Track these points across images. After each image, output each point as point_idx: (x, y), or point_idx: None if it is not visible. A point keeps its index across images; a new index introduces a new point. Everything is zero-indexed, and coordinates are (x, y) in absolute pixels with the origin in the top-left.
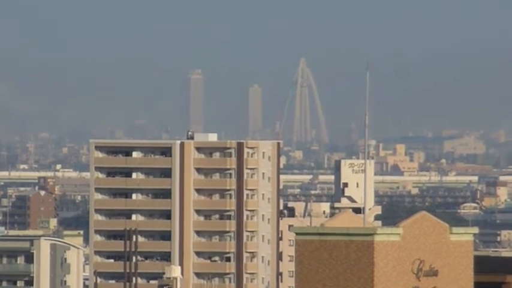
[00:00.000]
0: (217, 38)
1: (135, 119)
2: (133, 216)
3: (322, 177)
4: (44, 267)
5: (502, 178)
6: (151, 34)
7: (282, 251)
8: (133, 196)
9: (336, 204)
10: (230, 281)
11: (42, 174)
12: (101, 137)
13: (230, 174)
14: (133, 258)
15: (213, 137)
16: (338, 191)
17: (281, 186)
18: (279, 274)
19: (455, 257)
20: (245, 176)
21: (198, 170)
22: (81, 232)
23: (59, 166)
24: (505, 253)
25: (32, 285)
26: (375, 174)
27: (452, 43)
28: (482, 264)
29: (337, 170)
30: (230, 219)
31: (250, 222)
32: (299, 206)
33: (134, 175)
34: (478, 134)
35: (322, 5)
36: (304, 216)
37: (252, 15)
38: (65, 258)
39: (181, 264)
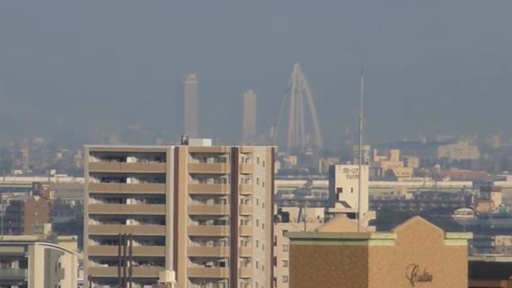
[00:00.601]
0: (212, 43)
1: (130, 124)
2: (128, 222)
3: (316, 183)
4: (38, 272)
5: (496, 183)
6: (146, 39)
7: (276, 256)
8: (128, 201)
9: (330, 209)
10: (224, 286)
11: (37, 179)
12: (95, 142)
13: (224, 179)
14: (128, 263)
15: (207, 143)
16: (332, 196)
17: (275, 192)
18: (273, 279)
19: (450, 262)
20: (239, 181)
21: (193, 175)
22: (76, 237)
23: (53, 171)
24: (499, 258)
25: None
26: (369, 179)
27: (448, 49)
28: (476, 270)
29: (331, 175)
30: (224, 224)
31: (244, 228)
32: (293, 211)
33: (129, 180)
34: (472, 140)
35: (316, 10)
36: (298, 221)
37: (247, 20)
38: (59, 263)
39: (175, 269)
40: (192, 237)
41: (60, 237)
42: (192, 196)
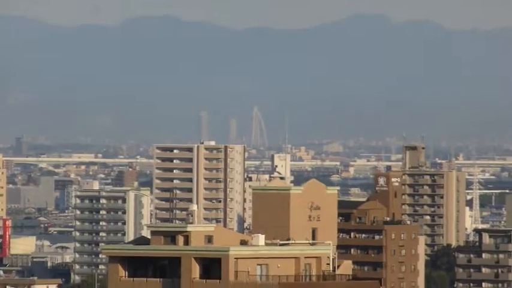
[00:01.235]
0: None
1: None
2: None
3: (265, 163)
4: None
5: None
6: None
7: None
8: None
9: (272, 176)
10: None
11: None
12: None
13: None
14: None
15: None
16: (272, 169)
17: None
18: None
19: (328, 200)
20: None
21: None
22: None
23: None
24: (353, 198)
25: None
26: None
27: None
28: (340, 203)
29: (272, 159)
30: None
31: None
32: (255, 177)
33: None
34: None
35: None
36: (257, 181)
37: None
38: (141, 201)
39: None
40: None
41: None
42: None
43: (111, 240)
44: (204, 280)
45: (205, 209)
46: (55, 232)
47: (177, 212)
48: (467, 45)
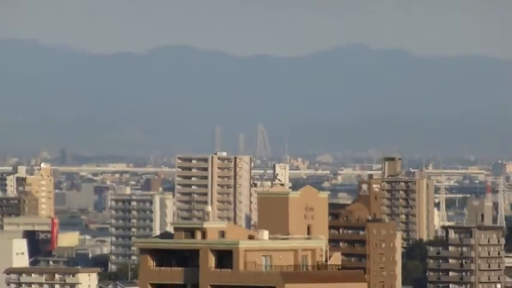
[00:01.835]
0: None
1: None
2: None
3: (268, 171)
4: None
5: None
6: None
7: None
8: None
9: (273, 182)
10: None
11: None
12: None
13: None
14: None
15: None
16: (274, 177)
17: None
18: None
19: (320, 203)
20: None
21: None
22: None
23: None
24: (341, 201)
25: None
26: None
27: None
28: (330, 205)
29: (274, 168)
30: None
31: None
32: (260, 183)
33: None
34: None
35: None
36: (262, 186)
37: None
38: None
39: None
40: None
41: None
42: None
43: (141, 235)
44: (219, 269)
45: (218, 209)
46: (94, 228)
47: (195, 212)
48: (434, 71)
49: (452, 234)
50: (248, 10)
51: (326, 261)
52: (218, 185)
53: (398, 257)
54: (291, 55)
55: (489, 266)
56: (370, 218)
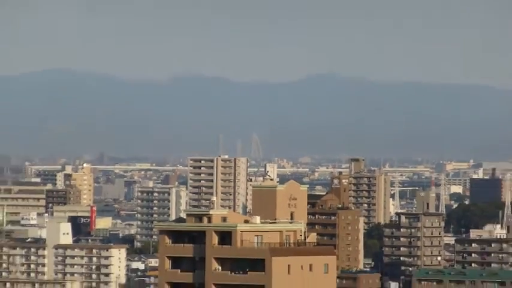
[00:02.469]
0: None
1: None
2: None
3: (261, 169)
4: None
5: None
6: None
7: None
8: None
9: (265, 178)
10: None
11: None
12: None
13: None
14: None
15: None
16: (265, 174)
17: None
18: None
19: (301, 194)
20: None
21: None
22: None
23: None
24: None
25: None
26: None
27: None
28: (309, 196)
29: (265, 167)
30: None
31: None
32: (253, 179)
33: None
34: None
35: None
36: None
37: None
38: None
39: None
40: None
41: None
42: None
43: (160, 219)
44: (221, 246)
45: (221, 199)
46: (124, 214)
47: (203, 201)
48: (387, 93)
49: (403, 219)
50: (243, 37)
51: (304, 239)
52: (221, 180)
53: (360, 237)
54: (282, 81)
55: (431, 243)
56: (339, 206)
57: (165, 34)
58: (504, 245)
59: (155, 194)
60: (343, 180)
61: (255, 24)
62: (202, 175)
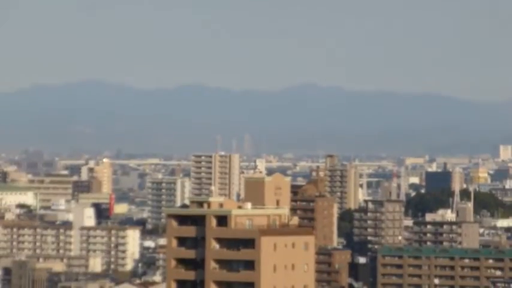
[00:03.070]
0: None
1: None
2: None
3: (251, 164)
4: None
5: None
6: None
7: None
8: None
9: (256, 170)
10: None
11: None
12: None
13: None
14: None
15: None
16: (255, 167)
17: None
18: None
19: (285, 184)
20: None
21: None
22: None
23: None
24: (299, 183)
25: None
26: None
27: None
28: (292, 186)
29: (255, 162)
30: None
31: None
32: (246, 172)
33: None
34: None
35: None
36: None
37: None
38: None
39: None
40: None
41: None
42: None
43: (168, 206)
44: (218, 227)
45: (219, 189)
46: (138, 201)
47: (204, 190)
48: (360, 101)
49: (370, 205)
50: (239, 44)
51: (288, 222)
52: (219, 173)
53: (334, 220)
54: (270, 89)
55: (393, 225)
56: (317, 194)
57: (174, 47)
58: (454, 227)
59: (163, 185)
60: (320, 173)
61: (247, 39)
62: (202, 169)
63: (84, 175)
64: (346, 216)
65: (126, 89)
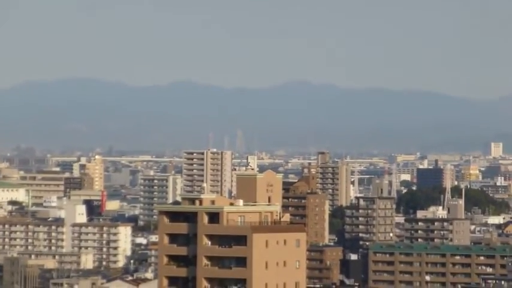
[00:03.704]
0: None
1: None
2: None
3: (243, 161)
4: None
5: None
6: None
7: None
8: None
9: (247, 167)
10: None
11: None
12: None
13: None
14: None
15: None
16: (247, 164)
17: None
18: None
19: (277, 181)
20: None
21: None
22: None
23: None
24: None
25: None
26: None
27: None
28: (283, 183)
29: (247, 159)
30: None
31: None
32: (238, 169)
33: None
34: None
35: None
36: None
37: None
38: None
39: None
40: None
41: None
42: None
43: (160, 202)
44: (210, 224)
45: (210, 186)
46: (130, 198)
47: (195, 187)
48: (352, 99)
49: (361, 202)
50: (236, 44)
51: (280, 219)
52: (210, 170)
53: (326, 217)
54: (262, 87)
55: (385, 222)
56: (309, 191)
57: (167, 45)
58: (445, 224)
59: (155, 181)
60: (312, 170)
61: (239, 37)
62: (194, 165)
63: (76, 172)
64: (337, 213)
65: (118, 86)
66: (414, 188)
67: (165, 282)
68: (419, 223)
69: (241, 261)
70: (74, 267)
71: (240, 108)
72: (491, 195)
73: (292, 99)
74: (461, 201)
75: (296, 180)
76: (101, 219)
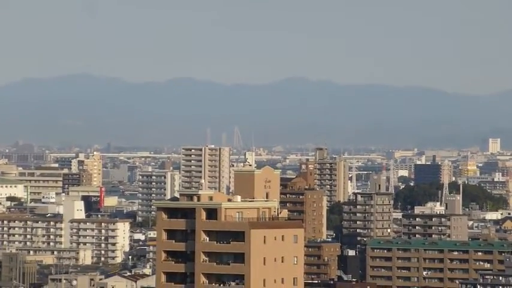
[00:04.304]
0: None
1: None
2: None
3: (241, 157)
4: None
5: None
6: None
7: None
8: None
9: (245, 164)
10: None
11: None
12: None
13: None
14: None
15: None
16: (245, 160)
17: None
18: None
19: (275, 177)
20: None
21: None
22: None
23: None
24: (288, 176)
25: None
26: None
27: None
28: (281, 179)
29: (245, 155)
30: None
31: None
32: (236, 165)
33: None
34: None
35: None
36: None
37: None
38: None
39: None
40: None
41: None
42: None
43: (158, 198)
44: (208, 220)
45: (208, 182)
46: (128, 194)
47: (193, 183)
48: (350, 95)
49: (359, 198)
50: (233, 40)
51: (277, 215)
52: (208, 166)
53: (324, 212)
54: (260, 83)
55: (382, 218)
56: (306, 187)
57: (165, 41)
58: (443, 219)
59: (153, 177)
60: (310, 166)
61: (237, 33)
62: (192, 162)
63: (74, 168)
64: (335, 209)
65: (116, 83)
66: (412, 183)
67: (163, 278)
68: (417, 219)
69: (239, 257)
70: (72, 263)
71: (237, 104)
72: (489, 191)
73: (290, 95)
74: (459, 197)
75: (294, 176)
76: (99, 215)
